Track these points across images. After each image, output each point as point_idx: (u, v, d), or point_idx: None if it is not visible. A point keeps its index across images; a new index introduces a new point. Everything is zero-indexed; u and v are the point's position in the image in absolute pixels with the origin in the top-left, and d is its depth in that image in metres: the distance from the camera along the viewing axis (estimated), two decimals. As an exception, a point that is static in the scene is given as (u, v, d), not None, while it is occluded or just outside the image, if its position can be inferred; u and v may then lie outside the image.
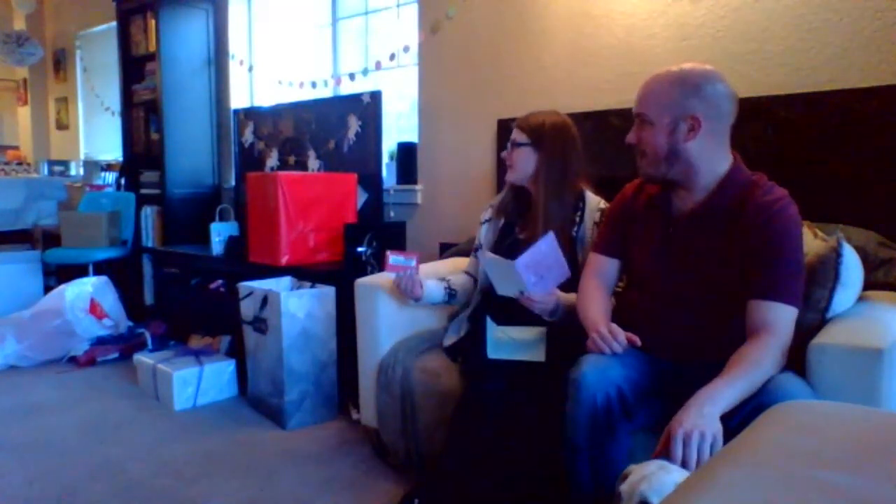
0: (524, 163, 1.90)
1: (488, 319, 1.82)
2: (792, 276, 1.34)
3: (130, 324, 3.55)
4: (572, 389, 1.34)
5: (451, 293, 2.02)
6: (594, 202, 1.89)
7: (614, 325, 1.44)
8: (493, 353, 1.73)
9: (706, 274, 1.43)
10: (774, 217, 1.35)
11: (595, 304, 1.57)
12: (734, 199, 1.41)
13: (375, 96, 3.04)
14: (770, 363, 1.28)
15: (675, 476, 1.04)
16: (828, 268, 1.47)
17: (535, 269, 1.69)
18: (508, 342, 1.77)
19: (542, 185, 1.88)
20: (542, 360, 1.67)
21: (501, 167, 2.73)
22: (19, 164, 5.71)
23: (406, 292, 1.93)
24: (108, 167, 4.84)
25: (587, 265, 1.70)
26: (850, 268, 1.49)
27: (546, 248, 1.67)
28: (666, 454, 1.16)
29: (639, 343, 1.41)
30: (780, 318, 1.32)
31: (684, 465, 1.14)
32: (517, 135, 1.93)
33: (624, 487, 1.06)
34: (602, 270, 1.65)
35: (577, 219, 1.88)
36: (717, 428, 1.16)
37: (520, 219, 1.99)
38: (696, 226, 1.45)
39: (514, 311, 1.79)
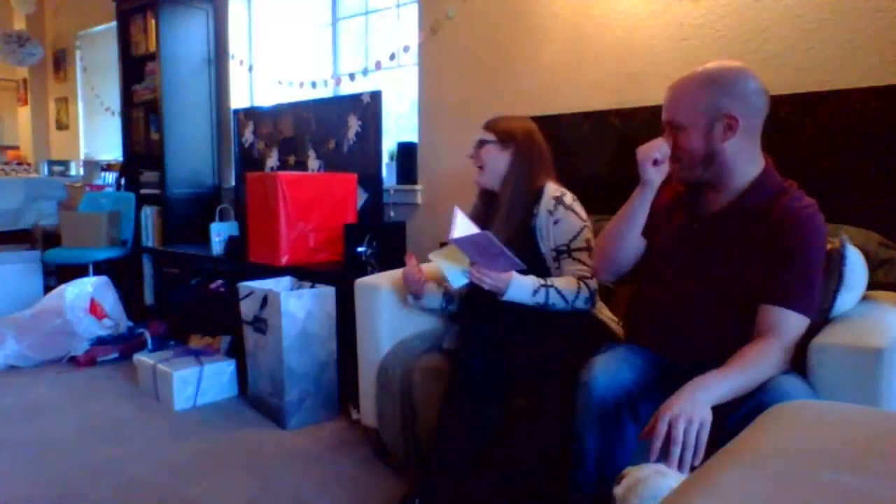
0: (493, 161, 1.94)
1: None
2: (807, 286, 1.33)
3: (130, 324, 3.55)
4: (583, 392, 1.33)
5: (448, 299, 2.01)
6: (550, 192, 1.87)
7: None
8: (434, 256, 1.82)
9: (722, 274, 1.42)
10: (800, 223, 1.34)
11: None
12: (762, 202, 1.40)
13: (375, 96, 3.04)
14: (770, 364, 1.28)
15: (670, 480, 1.04)
16: (831, 270, 1.47)
17: (477, 250, 1.70)
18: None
19: (510, 186, 1.91)
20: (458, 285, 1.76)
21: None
22: (19, 164, 5.71)
23: (410, 285, 1.95)
24: (108, 167, 4.84)
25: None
26: (853, 270, 1.49)
27: (483, 240, 1.66)
28: (653, 435, 1.16)
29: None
30: (789, 325, 1.31)
31: (667, 445, 1.14)
32: (485, 134, 1.96)
33: (618, 490, 1.05)
34: None
35: (535, 210, 1.87)
36: (705, 415, 1.16)
37: (487, 222, 1.95)
38: (722, 226, 1.44)
39: (493, 309, 1.80)
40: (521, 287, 1.70)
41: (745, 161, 1.42)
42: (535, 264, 1.80)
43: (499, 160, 1.93)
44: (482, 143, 1.96)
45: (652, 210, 1.59)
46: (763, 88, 1.41)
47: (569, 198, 1.86)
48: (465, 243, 1.69)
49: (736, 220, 1.43)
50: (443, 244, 2.05)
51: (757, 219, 1.40)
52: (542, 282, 1.73)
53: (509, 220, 1.87)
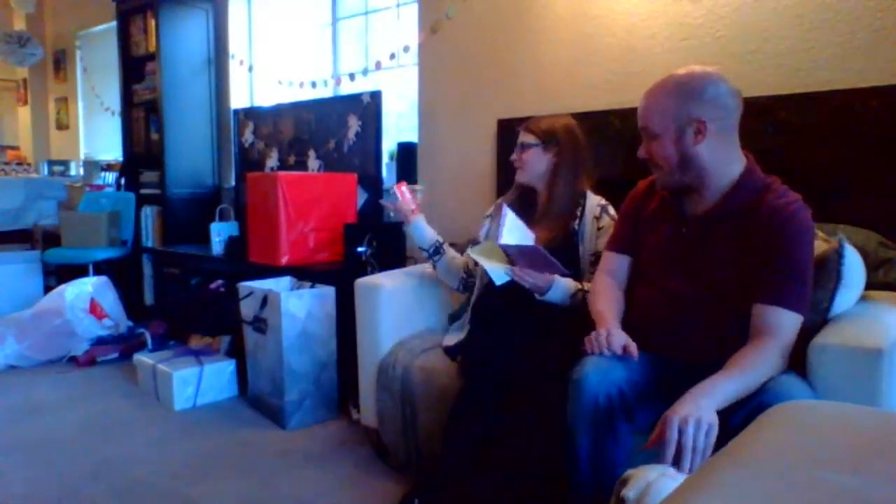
0: (535, 163, 1.96)
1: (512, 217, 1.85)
2: (799, 283, 1.34)
3: (130, 324, 3.55)
4: (574, 390, 1.34)
5: (466, 275, 2.13)
6: (594, 199, 1.95)
7: (616, 330, 1.44)
8: (474, 253, 1.85)
9: (716, 275, 1.43)
10: (787, 220, 1.35)
11: (604, 300, 1.58)
12: (747, 201, 1.41)
13: (375, 96, 3.04)
14: (769, 365, 1.28)
15: (677, 481, 1.03)
16: (829, 269, 1.47)
17: (522, 256, 1.74)
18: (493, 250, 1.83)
19: (551, 185, 1.95)
20: (501, 282, 1.75)
21: (501, 167, 2.74)
22: (19, 164, 5.71)
23: (400, 213, 2.17)
24: (108, 167, 4.84)
25: (601, 263, 1.71)
26: (851, 269, 1.49)
27: (533, 252, 1.70)
28: (660, 443, 1.16)
29: (635, 356, 1.40)
30: (784, 323, 1.32)
31: (678, 451, 1.14)
32: (526, 137, 1.98)
33: (630, 494, 1.04)
34: (614, 267, 1.65)
35: (578, 213, 1.93)
36: (712, 418, 1.16)
37: (523, 216, 2.01)
38: (709, 227, 1.45)
39: (516, 308, 1.81)
40: (560, 289, 1.76)
41: (724, 162, 1.43)
42: (572, 265, 1.86)
43: (542, 162, 1.96)
44: (523, 147, 1.97)
45: (640, 217, 1.62)
46: (733, 89, 1.42)
47: (611, 208, 1.94)
48: (512, 249, 1.74)
49: (723, 220, 1.44)
50: (474, 242, 2.08)
51: (743, 217, 1.41)
52: (580, 286, 1.78)
53: (551, 220, 1.91)
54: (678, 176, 1.45)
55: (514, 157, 2.01)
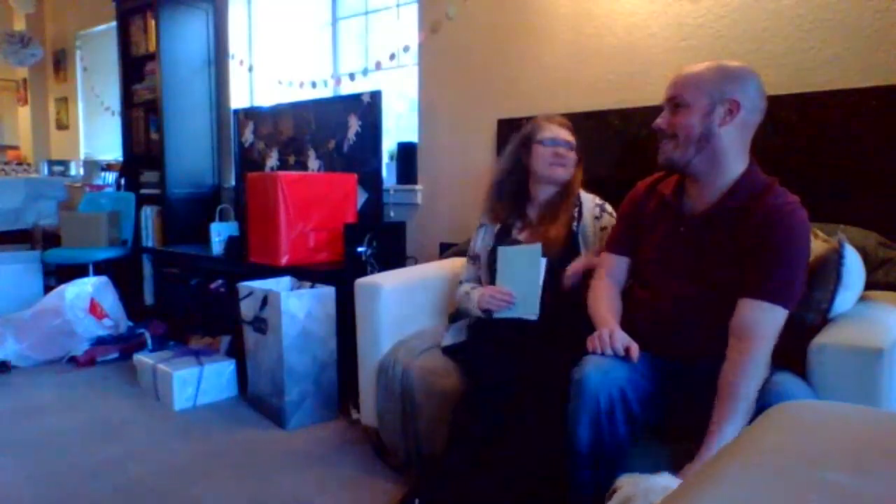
0: (572, 162, 1.96)
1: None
2: (789, 279, 1.34)
3: (130, 324, 3.55)
4: (575, 390, 1.34)
5: None
6: (589, 198, 1.98)
7: (618, 331, 1.45)
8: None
9: (714, 274, 1.43)
10: (781, 218, 1.36)
11: (604, 302, 1.59)
12: (746, 201, 1.42)
13: (375, 96, 3.04)
14: (756, 380, 1.28)
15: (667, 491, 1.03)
16: (829, 269, 1.47)
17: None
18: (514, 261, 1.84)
19: (570, 183, 1.95)
20: (534, 318, 1.75)
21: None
22: (19, 164, 5.72)
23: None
24: (108, 167, 4.84)
25: (599, 264, 1.71)
26: (851, 269, 1.49)
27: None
28: None
29: (635, 359, 1.40)
30: (768, 319, 1.32)
31: None
32: (571, 136, 1.98)
33: None
34: (613, 268, 1.66)
35: (576, 214, 1.93)
36: None
37: (518, 220, 2.01)
38: (707, 226, 1.46)
39: (512, 328, 1.81)
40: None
41: (735, 155, 1.44)
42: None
43: (574, 161, 1.97)
44: (572, 146, 1.97)
45: (639, 218, 1.62)
46: (765, 92, 1.44)
47: (608, 205, 1.96)
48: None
49: (721, 218, 1.44)
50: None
51: (741, 217, 1.41)
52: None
53: (555, 221, 1.91)
54: (691, 153, 1.44)
55: (561, 154, 1.93)
